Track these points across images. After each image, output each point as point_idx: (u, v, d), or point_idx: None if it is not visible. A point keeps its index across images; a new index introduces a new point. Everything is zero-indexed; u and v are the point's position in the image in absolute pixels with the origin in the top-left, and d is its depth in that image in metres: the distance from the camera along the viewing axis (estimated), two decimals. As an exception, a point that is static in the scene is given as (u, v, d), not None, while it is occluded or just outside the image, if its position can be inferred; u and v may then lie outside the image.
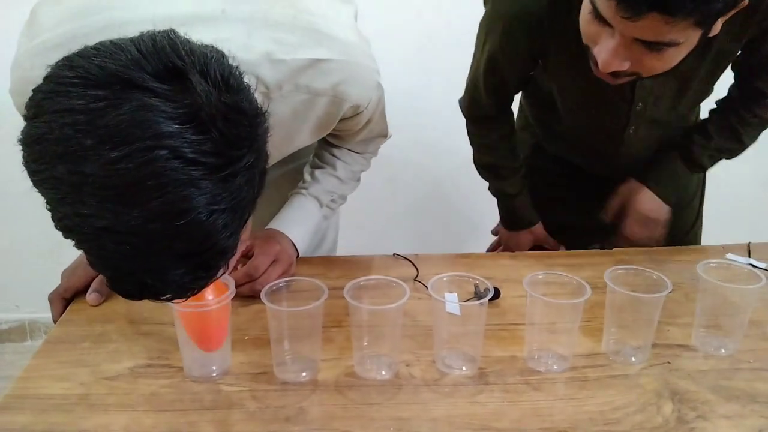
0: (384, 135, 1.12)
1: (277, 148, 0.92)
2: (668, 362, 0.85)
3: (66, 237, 0.56)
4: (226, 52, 0.72)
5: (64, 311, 0.94)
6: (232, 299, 0.78)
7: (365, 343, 0.82)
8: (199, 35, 0.72)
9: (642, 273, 0.86)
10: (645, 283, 0.85)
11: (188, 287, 0.59)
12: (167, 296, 0.59)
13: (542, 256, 1.16)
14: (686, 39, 0.80)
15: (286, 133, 0.90)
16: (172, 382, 0.79)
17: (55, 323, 0.93)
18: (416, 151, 2.07)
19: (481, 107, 1.19)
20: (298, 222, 1.07)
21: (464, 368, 0.83)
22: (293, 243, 1.04)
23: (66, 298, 0.96)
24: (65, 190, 0.53)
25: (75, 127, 0.51)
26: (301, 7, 0.83)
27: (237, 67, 0.61)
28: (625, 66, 0.85)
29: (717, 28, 0.83)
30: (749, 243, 1.16)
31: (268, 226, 1.06)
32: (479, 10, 1.10)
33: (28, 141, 0.54)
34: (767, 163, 2.11)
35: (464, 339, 0.84)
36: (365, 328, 0.81)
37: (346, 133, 1.02)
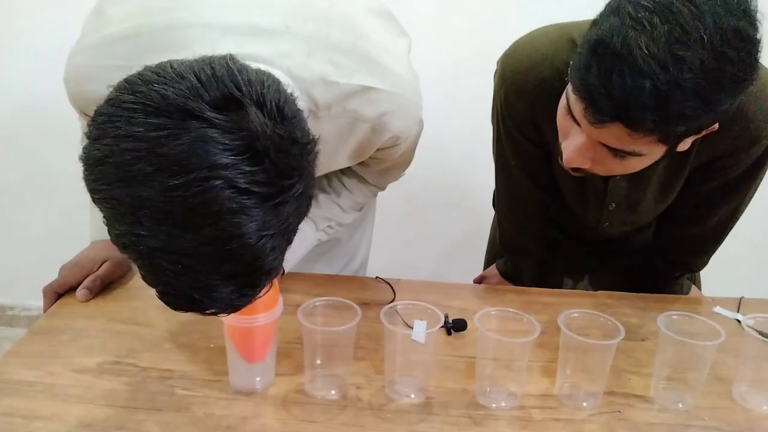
0: (403, 170, 1.15)
1: (318, 166, 0.97)
2: (619, 411, 0.84)
3: (121, 252, 0.60)
4: (284, 68, 0.76)
5: (53, 304, 1.00)
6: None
7: (318, 362, 0.85)
8: (263, 47, 0.77)
9: (597, 318, 0.86)
10: (600, 329, 0.85)
11: (234, 304, 0.63)
12: (213, 311, 0.63)
13: (521, 293, 1.16)
14: (649, 152, 0.81)
15: (327, 153, 0.93)
16: (132, 381, 0.84)
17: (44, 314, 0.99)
18: (434, 173, 2.10)
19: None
20: None
21: (412, 396, 0.85)
22: None
23: (59, 293, 1.02)
24: (123, 210, 0.56)
25: (136, 153, 0.54)
26: (362, 34, 0.86)
27: (291, 94, 0.63)
28: (587, 165, 0.86)
29: (686, 145, 0.83)
30: (741, 297, 1.13)
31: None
32: (503, 38, 1.10)
33: (89, 161, 0.57)
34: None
35: (417, 367, 0.86)
36: (318, 348, 0.84)
37: (376, 161, 1.05)
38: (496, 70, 1.07)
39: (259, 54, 0.75)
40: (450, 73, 1.91)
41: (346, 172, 1.13)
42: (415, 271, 2.22)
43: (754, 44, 0.72)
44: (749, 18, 0.71)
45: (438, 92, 1.93)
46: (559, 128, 0.89)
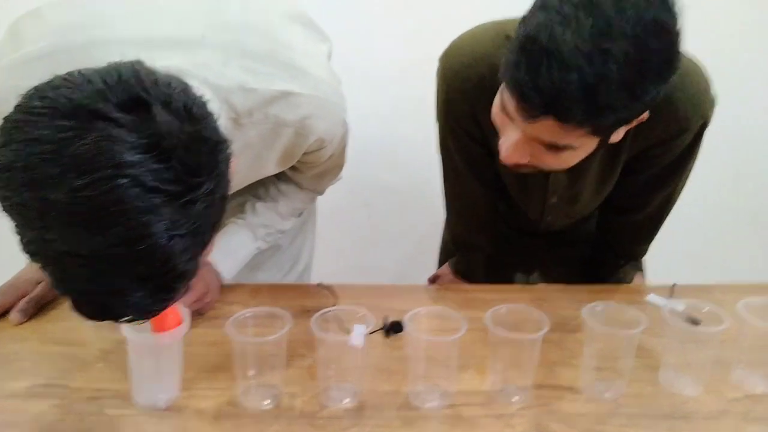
0: (338, 173, 1.15)
1: (243, 173, 0.96)
2: (548, 404, 0.86)
3: (32, 260, 0.59)
4: (201, 78, 0.77)
5: None
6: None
7: (250, 373, 0.85)
8: (179, 59, 0.77)
9: (523, 311, 0.87)
10: (527, 322, 0.86)
11: (149, 309, 0.62)
12: (128, 318, 0.62)
13: (461, 291, 1.18)
14: (582, 144, 0.83)
15: (253, 159, 0.94)
16: (62, 403, 0.83)
17: None
18: (393, 176, 2.11)
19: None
20: (227, 251, 1.11)
21: (347, 401, 0.86)
22: (218, 271, 1.08)
23: None
24: (31, 215, 0.56)
25: (42, 156, 0.54)
26: (280, 40, 0.88)
27: (201, 97, 0.64)
28: (525, 160, 0.87)
29: (619, 136, 0.85)
30: (674, 284, 1.16)
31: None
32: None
33: None
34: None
35: (352, 372, 0.87)
36: (249, 359, 0.84)
37: (307, 166, 1.06)
38: (438, 69, 1.09)
39: (174, 66, 0.76)
40: (402, 74, 1.92)
41: (281, 178, 1.13)
42: (376, 275, 2.24)
43: (674, 34, 0.74)
44: (669, 9, 0.74)
45: (391, 94, 1.95)
46: (495, 125, 0.91)
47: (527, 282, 1.38)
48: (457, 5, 1.82)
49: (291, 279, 1.29)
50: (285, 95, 0.86)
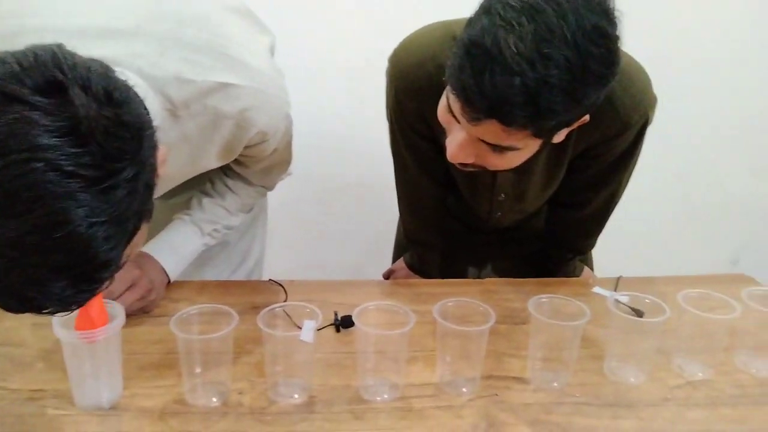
0: (286, 167, 1.14)
1: (182, 166, 0.94)
2: (496, 394, 0.87)
3: None
4: (135, 68, 0.75)
5: None
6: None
7: (197, 371, 0.83)
8: (112, 49, 0.75)
9: (470, 304, 0.88)
10: (474, 315, 0.87)
11: (71, 300, 0.59)
12: (50, 310, 0.59)
13: (411, 285, 1.18)
14: (525, 146, 0.84)
15: (192, 152, 0.92)
16: (1, 404, 0.81)
17: None
18: (350, 171, 2.10)
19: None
20: (173, 248, 1.09)
21: (296, 396, 0.85)
22: (164, 268, 1.06)
23: None
24: None
25: None
26: (217, 31, 0.86)
27: (124, 81, 0.61)
28: (470, 160, 0.88)
29: (561, 136, 0.87)
30: (619, 277, 1.19)
31: (141, 249, 1.07)
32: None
33: None
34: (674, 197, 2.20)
35: (301, 367, 0.86)
36: (195, 356, 0.82)
37: (251, 160, 1.04)
38: (387, 68, 1.09)
39: (108, 56, 0.74)
40: (358, 71, 1.91)
41: (229, 174, 1.12)
42: (332, 271, 2.23)
43: (613, 41, 0.76)
44: (608, 16, 0.75)
45: (346, 92, 1.95)
46: (441, 122, 0.91)
47: (479, 276, 1.40)
48: (412, 3, 1.83)
49: (240, 276, 1.28)
50: (223, 87, 0.85)
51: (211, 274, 1.21)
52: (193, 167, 0.96)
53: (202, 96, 0.83)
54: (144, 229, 0.63)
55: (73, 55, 0.59)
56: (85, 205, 0.54)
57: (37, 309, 0.59)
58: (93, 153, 0.54)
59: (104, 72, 0.60)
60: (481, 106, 0.76)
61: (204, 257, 1.16)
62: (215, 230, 1.12)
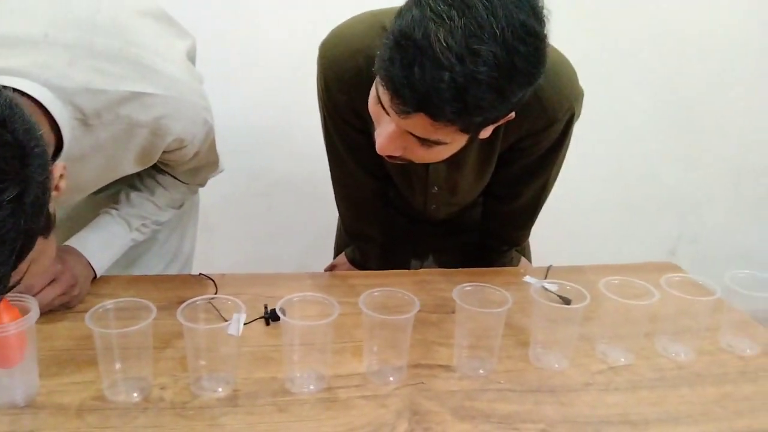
0: (214, 167, 1.13)
1: (98, 174, 0.93)
2: (422, 382, 0.88)
3: None
4: (42, 79, 0.73)
5: None
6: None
7: (117, 366, 0.82)
8: (17, 59, 0.73)
9: (395, 294, 0.89)
10: (400, 304, 0.88)
11: None
12: None
13: (345, 277, 1.18)
14: (453, 140, 0.84)
15: (108, 160, 0.90)
16: None
17: None
18: (292, 166, 2.09)
19: None
20: (99, 243, 1.06)
21: (219, 390, 0.84)
22: (90, 263, 1.04)
23: None
24: None
25: None
26: (130, 39, 0.84)
27: (8, 97, 0.59)
28: (398, 153, 0.88)
29: (488, 132, 0.88)
30: (549, 266, 1.21)
31: (66, 242, 1.04)
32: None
33: None
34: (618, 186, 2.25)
35: (224, 361, 0.85)
36: (114, 351, 0.81)
37: (173, 163, 1.03)
38: (317, 58, 1.08)
39: (12, 67, 0.72)
40: (299, 64, 1.89)
41: (159, 170, 1.10)
42: (275, 266, 2.21)
43: (541, 39, 0.76)
44: (537, 15, 0.76)
45: (290, 85, 1.92)
46: (372, 116, 0.91)
47: (421, 268, 1.41)
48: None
49: (172, 270, 1.26)
50: (136, 96, 0.83)
51: (139, 273, 1.18)
52: (110, 174, 0.95)
53: (114, 105, 0.82)
54: (43, 243, 0.62)
55: None
56: None
57: None
58: None
59: None
60: (410, 99, 0.76)
61: (132, 255, 1.14)
62: (143, 225, 1.10)
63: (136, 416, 0.79)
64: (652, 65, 2.07)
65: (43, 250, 0.63)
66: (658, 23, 2.02)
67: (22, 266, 0.59)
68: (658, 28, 2.03)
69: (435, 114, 0.76)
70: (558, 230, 1.59)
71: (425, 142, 0.84)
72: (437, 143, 0.84)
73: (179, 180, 1.11)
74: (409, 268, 1.39)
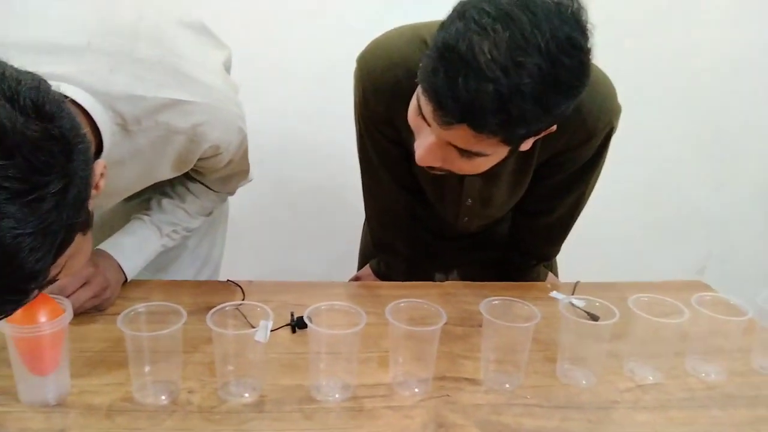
0: (245, 176, 1.14)
1: (136, 179, 0.95)
2: (448, 395, 0.87)
3: None
4: (86, 84, 0.75)
5: None
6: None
7: (146, 369, 0.83)
8: (61, 65, 0.75)
9: (422, 306, 0.88)
10: (427, 316, 0.88)
11: None
12: None
13: (372, 287, 1.19)
14: (494, 152, 0.85)
15: (145, 166, 0.92)
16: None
17: None
18: (319, 175, 2.10)
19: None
20: (131, 247, 1.08)
21: (246, 395, 0.85)
22: (121, 267, 1.05)
23: None
24: None
25: None
26: (170, 47, 0.86)
27: (58, 95, 0.61)
28: (438, 164, 0.89)
29: (528, 144, 0.88)
30: (577, 282, 1.20)
31: (98, 247, 1.06)
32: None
33: None
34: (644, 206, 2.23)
35: (252, 367, 0.86)
36: (144, 354, 0.82)
37: (207, 170, 1.05)
38: (354, 70, 1.09)
39: (57, 72, 0.74)
40: (326, 74, 1.92)
41: (190, 177, 1.12)
42: (299, 276, 2.22)
43: (585, 53, 0.77)
44: (581, 28, 0.76)
45: (315, 94, 1.95)
46: (411, 125, 0.91)
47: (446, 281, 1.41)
48: (378, 7, 1.84)
49: (202, 276, 1.27)
50: (175, 103, 0.85)
51: (170, 279, 1.20)
52: (147, 179, 0.97)
53: (153, 112, 0.84)
54: (81, 240, 0.63)
55: (4, 66, 0.58)
56: (10, 216, 0.53)
57: None
58: (18, 166, 0.53)
59: (36, 85, 0.59)
60: (453, 110, 0.76)
61: (163, 261, 1.16)
62: (174, 231, 1.11)
63: (165, 419, 0.79)
64: (682, 84, 2.05)
65: (81, 247, 0.64)
66: (688, 42, 2.01)
67: (60, 261, 0.60)
68: (688, 46, 2.01)
69: (478, 125, 0.77)
70: (586, 248, 1.58)
71: (466, 153, 0.84)
72: (478, 155, 0.84)
73: (210, 188, 1.13)
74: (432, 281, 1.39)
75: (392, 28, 1.06)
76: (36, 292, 0.59)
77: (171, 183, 1.12)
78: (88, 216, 0.64)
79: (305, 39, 1.88)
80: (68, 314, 0.78)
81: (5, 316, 0.60)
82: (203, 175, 1.08)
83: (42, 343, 0.76)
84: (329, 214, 2.15)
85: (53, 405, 0.80)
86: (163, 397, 0.83)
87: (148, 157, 0.90)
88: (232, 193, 1.19)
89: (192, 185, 1.12)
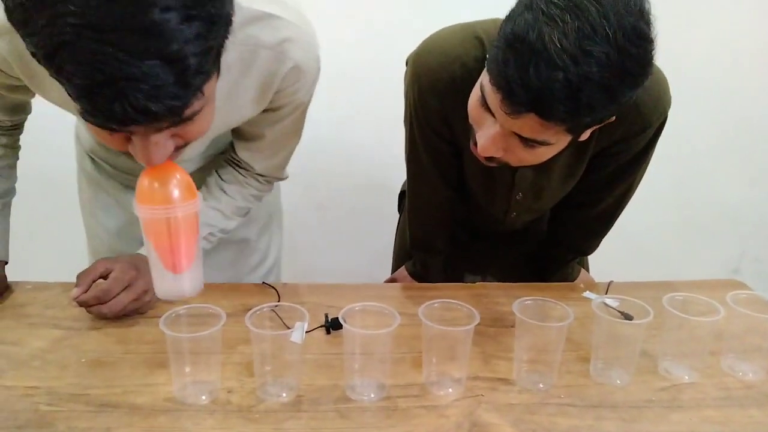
0: (294, 146, 1.14)
1: (222, 105, 0.93)
2: (482, 395, 0.88)
3: (49, 62, 0.59)
4: None
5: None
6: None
7: (186, 370, 0.85)
8: None
9: (455, 306, 0.89)
10: (459, 316, 0.88)
11: (164, 97, 0.60)
12: (145, 108, 0.60)
13: (405, 288, 1.20)
14: (557, 141, 0.86)
15: (231, 87, 0.93)
16: (-3, 401, 0.83)
17: None
18: (355, 176, 2.12)
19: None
20: None
21: (284, 395, 0.86)
22: None
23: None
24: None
25: None
26: None
27: None
28: (500, 154, 0.90)
29: (587, 134, 0.90)
30: (610, 282, 1.20)
31: (138, 251, 1.09)
32: (405, 40, 1.12)
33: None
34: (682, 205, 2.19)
35: (289, 367, 0.88)
36: (185, 356, 0.84)
37: (274, 116, 1.04)
38: (407, 71, 1.10)
39: None
40: (359, 77, 1.94)
41: (225, 177, 1.14)
42: (328, 278, 2.24)
43: (650, 42, 0.78)
44: (645, 18, 0.78)
45: (347, 97, 1.96)
46: (472, 119, 0.93)
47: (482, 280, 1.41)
48: (413, 11, 1.86)
49: (259, 275, 1.32)
50: (266, 16, 0.89)
51: (230, 274, 1.24)
52: (230, 109, 0.97)
53: (246, 23, 0.87)
54: (211, 93, 0.69)
55: None
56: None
57: (135, 110, 0.60)
58: None
59: None
60: (523, 99, 0.78)
61: (222, 257, 1.19)
62: (211, 234, 1.14)
63: (206, 418, 0.82)
64: (714, 82, 2.03)
65: (210, 100, 0.69)
66: (721, 39, 1.98)
67: (199, 101, 0.66)
68: (721, 44, 1.99)
69: (547, 113, 0.79)
70: (619, 247, 1.57)
71: (530, 143, 0.86)
72: (541, 144, 0.86)
73: (246, 185, 1.15)
74: (464, 281, 1.39)
75: (442, 28, 1.07)
76: (199, 94, 0.65)
77: (206, 184, 1.14)
78: (219, 69, 0.70)
79: (334, 41, 1.90)
80: (199, 199, 0.80)
81: (171, 113, 0.63)
82: (261, 138, 1.08)
83: (177, 232, 0.78)
84: (357, 218, 2.17)
85: (188, 296, 0.83)
86: (204, 397, 0.85)
87: (235, 77, 0.92)
88: (273, 176, 1.19)
89: (226, 186, 1.14)
